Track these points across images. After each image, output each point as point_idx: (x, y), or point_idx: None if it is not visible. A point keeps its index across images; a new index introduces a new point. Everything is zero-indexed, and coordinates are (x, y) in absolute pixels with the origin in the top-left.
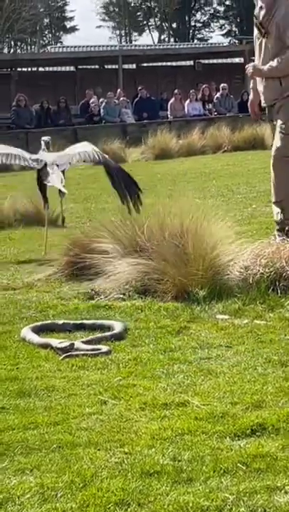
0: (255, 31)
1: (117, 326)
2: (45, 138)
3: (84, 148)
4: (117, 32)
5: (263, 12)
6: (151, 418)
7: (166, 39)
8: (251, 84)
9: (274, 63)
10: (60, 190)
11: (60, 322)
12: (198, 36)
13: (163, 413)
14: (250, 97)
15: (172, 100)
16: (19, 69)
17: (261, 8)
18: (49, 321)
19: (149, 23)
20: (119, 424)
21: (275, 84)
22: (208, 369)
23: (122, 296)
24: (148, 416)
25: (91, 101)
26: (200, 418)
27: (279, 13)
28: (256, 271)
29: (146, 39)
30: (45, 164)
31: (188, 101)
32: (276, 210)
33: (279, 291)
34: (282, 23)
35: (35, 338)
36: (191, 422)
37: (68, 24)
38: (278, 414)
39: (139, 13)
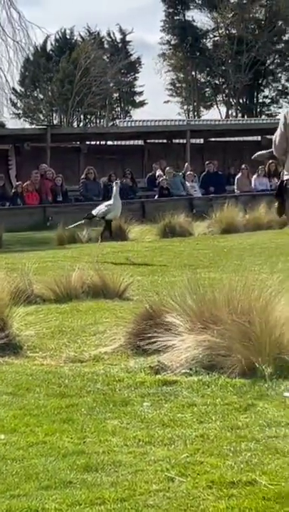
0: None
1: None
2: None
3: None
4: (185, 107)
5: None
6: (219, 497)
7: (234, 114)
8: None
9: None
10: None
11: None
12: (267, 112)
13: (230, 492)
14: None
15: (239, 175)
16: (88, 142)
17: None
18: None
19: (217, 99)
20: (187, 502)
21: None
22: (276, 448)
23: (188, 371)
24: (215, 494)
25: (157, 174)
26: (268, 498)
27: None
28: None
29: (214, 113)
30: None
31: (255, 176)
32: None
33: None
34: None
35: None
36: (258, 501)
37: (137, 99)
38: None
39: (207, 89)
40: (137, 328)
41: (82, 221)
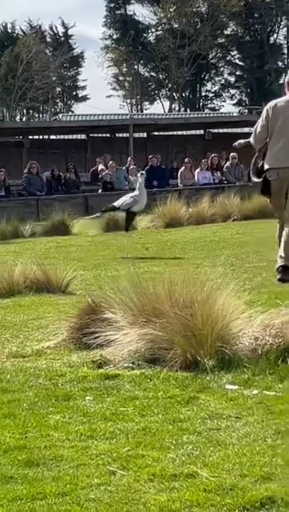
0: None
1: None
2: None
3: None
4: (128, 101)
5: None
6: (160, 489)
7: (177, 108)
8: None
9: None
10: None
11: None
12: (210, 106)
13: (172, 484)
14: None
15: (182, 169)
16: (31, 137)
17: None
18: None
19: (160, 93)
20: (128, 496)
21: None
22: (218, 440)
23: (130, 364)
24: (157, 487)
25: (99, 168)
26: (209, 490)
27: None
28: (266, 341)
29: (157, 107)
30: None
31: (198, 169)
32: None
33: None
34: None
35: None
36: (200, 494)
37: (80, 93)
38: (288, 487)
39: (150, 83)
40: (80, 323)
41: (98, 214)
